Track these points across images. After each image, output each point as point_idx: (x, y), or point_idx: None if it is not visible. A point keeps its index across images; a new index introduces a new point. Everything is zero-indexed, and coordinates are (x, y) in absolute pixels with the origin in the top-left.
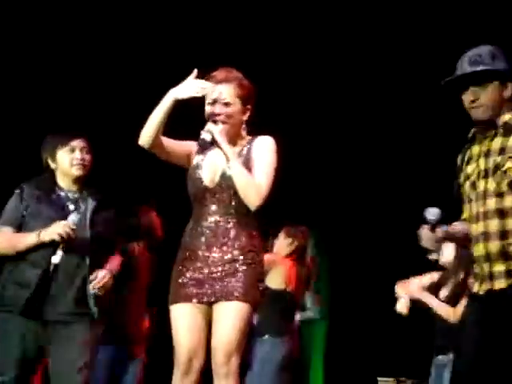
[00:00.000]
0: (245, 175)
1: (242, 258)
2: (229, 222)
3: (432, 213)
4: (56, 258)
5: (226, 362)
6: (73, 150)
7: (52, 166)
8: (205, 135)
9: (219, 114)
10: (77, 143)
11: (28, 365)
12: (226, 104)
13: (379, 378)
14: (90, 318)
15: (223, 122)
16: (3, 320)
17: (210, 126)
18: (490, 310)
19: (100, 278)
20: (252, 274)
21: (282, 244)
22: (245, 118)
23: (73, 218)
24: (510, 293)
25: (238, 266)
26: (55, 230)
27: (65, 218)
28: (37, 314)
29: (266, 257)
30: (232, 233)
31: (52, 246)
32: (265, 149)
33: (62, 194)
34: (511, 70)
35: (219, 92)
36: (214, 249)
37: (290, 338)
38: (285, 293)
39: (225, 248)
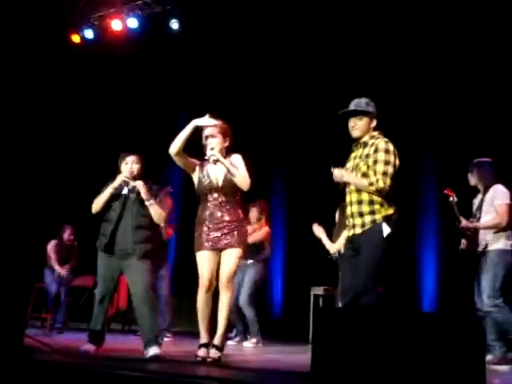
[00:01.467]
0: (241, 175)
1: (235, 223)
2: (227, 202)
3: None
4: (125, 190)
5: (228, 281)
6: (126, 163)
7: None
8: (213, 158)
9: (212, 148)
10: (129, 158)
11: (110, 282)
12: (213, 136)
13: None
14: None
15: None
16: (99, 256)
17: (212, 152)
18: (354, 245)
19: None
20: (242, 232)
21: (255, 214)
22: (226, 144)
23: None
24: (363, 236)
25: (233, 227)
26: (120, 177)
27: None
28: (111, 251)
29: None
30: (228, 208)
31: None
32: (240, 160)
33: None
34: (375, 113)
35: (210, 130)
36: (218, 217)
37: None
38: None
39: (225, 217)
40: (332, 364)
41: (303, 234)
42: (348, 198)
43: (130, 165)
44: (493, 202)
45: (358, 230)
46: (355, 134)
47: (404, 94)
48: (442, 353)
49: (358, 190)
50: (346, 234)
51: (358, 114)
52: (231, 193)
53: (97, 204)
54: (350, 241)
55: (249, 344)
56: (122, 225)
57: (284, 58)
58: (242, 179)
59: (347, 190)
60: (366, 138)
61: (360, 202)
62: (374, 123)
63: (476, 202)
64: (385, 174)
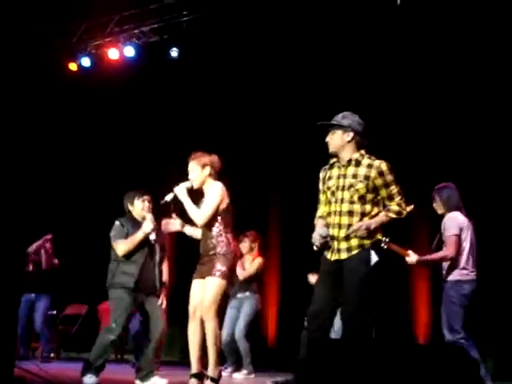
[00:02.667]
0: (192, 211)
1: (212, 252)
2: (207, 233)
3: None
4: (153, 236)
5: (207, 310)
6: (143, 201)
7: (130, 209)
8: (167, 197)
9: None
10: (146, 197)
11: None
12: (191, 170)
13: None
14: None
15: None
16: (120, 293)
17: (175, 188)
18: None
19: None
20: (221, 262)
21: (247, 245)
22: (206, 173)
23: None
24: (350, 262)
25: (213, 257)
26: (149, 224)
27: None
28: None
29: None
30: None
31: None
32: (214, 190)
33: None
34: (353, 125)
35: (190, 166)
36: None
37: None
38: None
39: (206, 247)
40: None
41: (296, 267)
42: (336, 220)
43: (147, 203)
44: (444, 233)
45: (344, 256)
46: (330, 149)
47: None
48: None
49: (350, 213)
50: (327, 255)
51: (331, 127)
52: (208, 225)
53: (128, 248)
54: (331, 265)
55: (239, 375)
56: (147, 265)
57: (278, 84)
58: (192, 215)
59: (335, 210)
60: (356, 156)
61: (349, 227)
62: (350, 137)
63: None
64: (400, 193)
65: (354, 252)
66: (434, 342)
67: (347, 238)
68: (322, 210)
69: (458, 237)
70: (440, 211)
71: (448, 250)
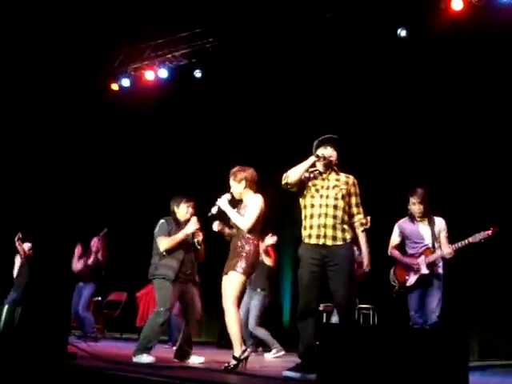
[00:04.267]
0: (236, 218)
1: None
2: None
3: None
4: (214, 209)
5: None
6: (188, 206)
7: (176, 210)
8: (214, 208)
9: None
10: (191, 203)
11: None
12: (230, 185)
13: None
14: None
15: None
16: (163, 283)
17: (219, 200)
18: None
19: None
20: (232, 261)
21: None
22: (242, 186)
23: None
24: (337, 250)
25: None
26: (191, 227)
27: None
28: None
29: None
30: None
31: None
32: (253, 201)
33: (183, 225)
34: None
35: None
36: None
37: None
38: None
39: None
40: (335, 371)
41: None
42: (324, 210)
43: (190, 209)
44: (439, 235)
45: (329, 242)
46: (328, 155)
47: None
48: (430, 363)
49: (335, 207)
50: (313, 241)
51: (337, 143)
52: (237, 228)
53: (169, 245)
54: (318, 250)
55: (269, 355)
56: (186, 259)
57: (287, 98)
58: (237, 222)
59: (324, 202)
60: (335, 168)
61: (335, 217)
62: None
63: (425, 229)
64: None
65: (339, 242)
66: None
67: (334, 227)
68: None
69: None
70: (423, 210)
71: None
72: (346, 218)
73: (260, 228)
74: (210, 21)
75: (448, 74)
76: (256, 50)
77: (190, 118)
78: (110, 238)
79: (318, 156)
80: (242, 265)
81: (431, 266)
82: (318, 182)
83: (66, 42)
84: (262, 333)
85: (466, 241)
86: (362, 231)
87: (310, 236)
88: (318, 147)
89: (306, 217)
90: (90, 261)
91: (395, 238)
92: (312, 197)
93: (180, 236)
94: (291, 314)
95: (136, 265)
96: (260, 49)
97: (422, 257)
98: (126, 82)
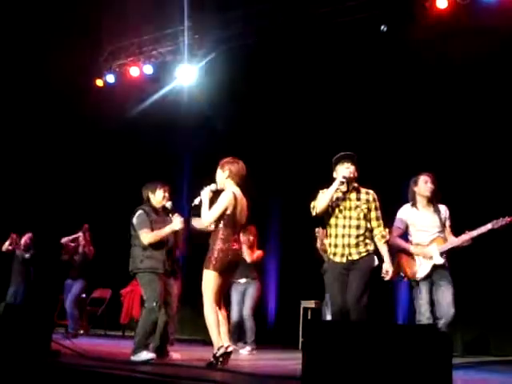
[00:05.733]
0: (203, 213)
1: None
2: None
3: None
4: (197, 200)
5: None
6: (165, 191)
7: (151, 197)
8: (196, 200)
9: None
10: (166, 188)
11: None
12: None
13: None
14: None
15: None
16: (151, 276)
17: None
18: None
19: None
20: (209, 256)
21: (246, 238)
22: (226, 175)
23: (179, 219)
24: (359, 262)
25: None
26: (178, 225)
27: (167, 221)
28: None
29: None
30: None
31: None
32: (222, 196)
33: (160, 211)
34: None
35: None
36: None
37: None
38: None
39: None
40: (320, 369)
41: (294, 255)
42: (347, 231)
43: (166, 194)
44: (445, 222)
45: (355, 257)
46: (350, 175)
47: None
48: (414, 359)
49: (358, 227)
50: (338, 260)
51: (353, 160)
52: (216, 223)
53: (155, 240)
54: (344, 266)
55: (245, 351)
56: (168, 251)
57: (285, 100)
58: (203, 215)
59: (347, 223)
60: (355, 184)
61: (358, 237)
62: None
63: (431, 216)
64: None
65: (363, 255)
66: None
67: (357, 245)
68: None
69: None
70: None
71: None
72: (367, 233)
73: (235, 224)
74: (195, 17)
75: (435, 72)
76: (244, 47)
77: (175, 114)
78: (93, 235)
79: (342, 182)
80: (212, 261)
81: (444, 255)
82: (340, 202)
83: (50, 39)
84: (251, 325)
85: (485, 228)
86: (384, 243)
87: (335, 254)
88: (336, 164)
89: (331, 235)
90: (77, 257)
91: (398, 226)
92: (336, 217)
93: (166, 231)
94: (276, 309)
95: (120, 261)
96: (248, 47)
97: (434, 245)
98: (110, 78)
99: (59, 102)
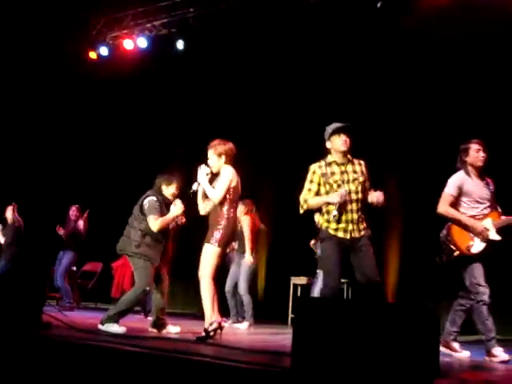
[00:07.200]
0: (209, 192)
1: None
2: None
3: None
4: (195, 186)
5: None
6: (177, 188)
7: (164, 188)
8: (194, 186)
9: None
10: (177, 184)
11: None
12: (209, 158)
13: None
14: None
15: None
16: (145, 263)
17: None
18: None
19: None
20: (213, 231)
21: (241, 209)
22: (222, 161)
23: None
24: (362, 239)
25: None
26: (179, 209)
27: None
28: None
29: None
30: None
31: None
32: (224, 173)
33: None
34: None
35: (208, 154)
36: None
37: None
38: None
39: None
40: (310, 345)
41: (284, 231)
42: (349, 206)
43: (177, 192)
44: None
45: (356, 234)
46: (344, 148)
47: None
48: (403, 335)
49: (358, 201)
50: (341, 235)
51: (349, 131)
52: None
53: (162, 226)
54: (347, 243)
55: (242, 326)
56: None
57: (277, 75)
58: (210, 195)
59: (347, 198)
60: (349, 156)
61: (358, 211)
62: None
63: (484, 188)
64: None
65: (363, 233)
66: (401, 300)
67: (359, 220)
68: (311, 195)
69: None
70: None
71: None
72: (364, 208)
73: (236, 198)
74: None
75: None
76: (237, 21)
77: (170, 88)
78: (85, 208)
79: (342, 197)
80: (216, 236)
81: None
82: (338, 176)
83: (42, 10)
84: (248, 301)
85: None
86: None
87: (336, 229)
88: (331, 135)
89: (329, 211)
90: (70, 227)
91: (451, 193)
92: (336, 192)
93: (170, 217)
94: (266, 285)
95: (111, 235)
96: (242, 20)
97: (489, 220)
98: (104, 51)
99: (51, 77)
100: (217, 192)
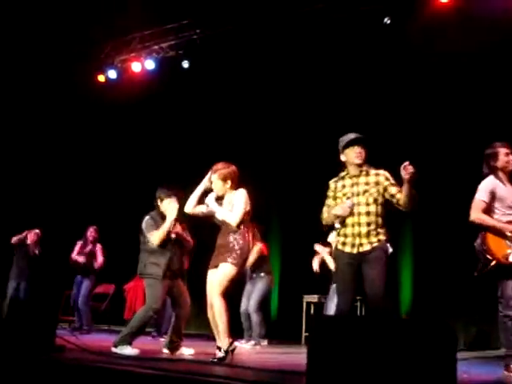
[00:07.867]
0: (225, 215)
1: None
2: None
3: None
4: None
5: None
6: (175, 202)
7: (159, 204)
8: (204, 206)
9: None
10: (175, 198)
11: None
12: (214, 183)
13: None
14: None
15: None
16: (152, 281)
17: (206, 199)
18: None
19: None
20: (227, 252)
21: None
22: (227, 186)
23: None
24: (372, 252)
25: (222, 250)
26: (173, 213)
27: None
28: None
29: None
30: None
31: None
32: (239, 195)
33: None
34: None
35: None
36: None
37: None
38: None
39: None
40: (325, 363)
41: (296, 250)
42: (356, 219)
43: (177, 205)
44: None
45: (367, 248)
46: (359, 160)
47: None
48: (420, 352)
49: (368, 213)
50: (348, 250)
51: (363, 143)
52: (225, 223)
53: (160, 237)
54: (354, 258)
55: (247, 346)
56: (173, 257)
57: (283, 94)
58: (226, 218)
59: (356, 211)
60: (365, 167)
61: (369, 224)
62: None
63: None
64: None
65: (375, 245)
66: (416, 316)
67: (368, 234)
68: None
69: None
70: None
71: None
72: (379, 220)
73: (249, 219)
74: (198, 12)
75: (437, 64)
76: (244, 41)
77: (177, 109)
78: (98, 231)
79: (345, 209)
80: (234, 257)
81: None
82: (348, 189)
83: (51, 34)
84: (256, 320)
85: None
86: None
87: (344, 244)
88: (345, 148)
89: (339, 224)
90: (88, 248)
91: (483, 199)
92: None
93: (167, 224)
94: (279, 304)
95: (123, 257)
96: (248, 40)
97: None
98: (112, 74)
99: (61, 99)
100: (235, 216)
